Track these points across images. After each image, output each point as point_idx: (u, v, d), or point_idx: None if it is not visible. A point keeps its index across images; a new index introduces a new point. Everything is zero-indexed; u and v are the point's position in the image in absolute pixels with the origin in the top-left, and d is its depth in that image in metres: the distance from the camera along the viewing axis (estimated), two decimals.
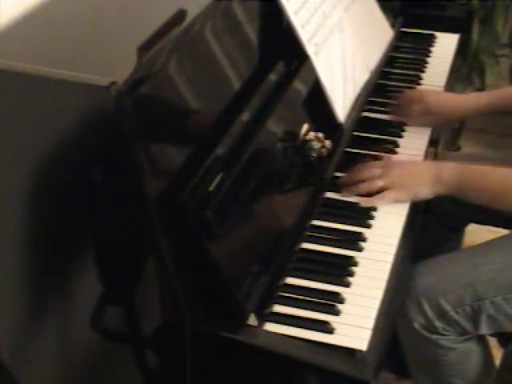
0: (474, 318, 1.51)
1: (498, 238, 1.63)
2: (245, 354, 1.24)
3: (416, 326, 1.52)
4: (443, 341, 1.54)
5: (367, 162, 1.58)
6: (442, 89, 1.90)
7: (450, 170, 1.52)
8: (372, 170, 1.54)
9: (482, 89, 2.70)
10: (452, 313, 1.50)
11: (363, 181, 1.53)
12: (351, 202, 1.53)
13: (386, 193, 1.52)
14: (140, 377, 1.34)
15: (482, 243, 1.62)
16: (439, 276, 1.53)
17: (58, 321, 1.30)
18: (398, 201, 1.53)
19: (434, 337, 1.53)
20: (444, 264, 1.57)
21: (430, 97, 1.79)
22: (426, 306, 1.50)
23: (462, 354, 1.59)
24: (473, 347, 1.60)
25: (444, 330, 1.52)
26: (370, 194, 1.53)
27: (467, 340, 1.57)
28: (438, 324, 1.51)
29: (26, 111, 1.13)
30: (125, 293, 1.27)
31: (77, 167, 1.14)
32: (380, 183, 1.52)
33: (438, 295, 1.50)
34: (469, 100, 1.81)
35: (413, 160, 1.65)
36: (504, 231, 1.71)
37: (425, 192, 1.52)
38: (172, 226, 1.16)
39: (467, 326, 1.52)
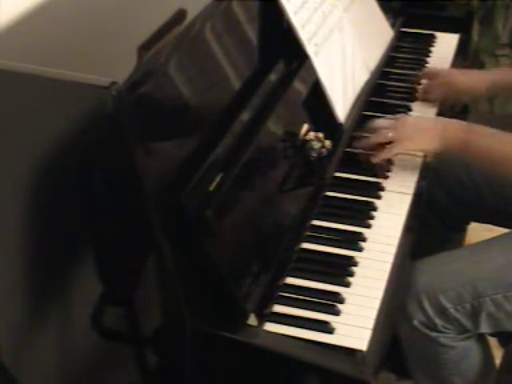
0: (474, 315, 1.51)
1: (498, 236, 1.64)
2: (245, 354, 1.24)
3: (416, 323, 1.52)
4: (443, 339, 1.54)
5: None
6: None
7: (457, 126, 1.56)
8: (383, 122, 1.59)
9: None
10: (452, 310, 1.50)
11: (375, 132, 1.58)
12: (351, 202, 1.53)
13: (394, 144, 1.55)
14: (140, 377, 1.34)
15: (482, 241, 1.63)
16: (439, 273, 1.54)
17: (58, 321, 1.30)
18: (407, 150, 1.58)
19: (434, 334, 1.53)
20: (444, 262, 1.57)
21: (449, 71, 1.90)
22: (426, 304, 1.50)
23: (462, 353, 1.59)
24: (473, 346, 1.60)
25: (444, 327, 1.52)
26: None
27: (467, 338, 1.57)
28: (438, 321, 1.51)
29: (26, 111, 1.13)
30: (125, 293, 1.27)
31: (77, 167, 1.14)
32: (390, 134, 1.55)
33: (438, 293, 1.50)
34: (483, 74, 1.90)
35: (420, 119, 1.70)
36: (504, 230, 1.71)
37: (431, 145, 1.56)
38: (172, 226, 1.16)
39: (467, 323, 1.52)
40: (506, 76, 1.85)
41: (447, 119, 1.63)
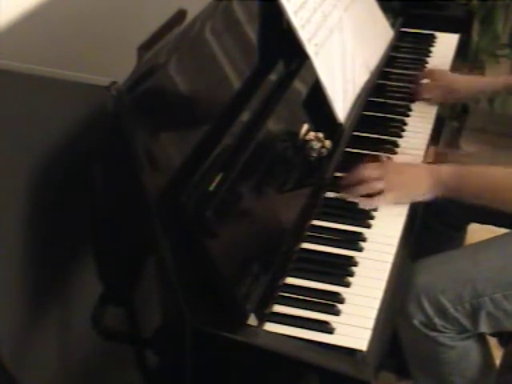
0: (474, 315, 1.51)
1: (498, 236, 1.64)
2: (245, 354, 1.24)
3: (416, 323, 1.53)
4: (443, 338, 1.54)
5: (366, 163, 1.57)
6: None
7: (448, 173, 1.52)
8: (371, 171, 1.54)
9: None
10: (451, 310, 1.50)
11: (362, 183, 1.53)
12: (351, 202, 1.53)
13: (385, 195, 1.51)
14: (140, 377, 1.34)
15: (482, 241, 1.63)
16: (439, 273, 1.54)
17: (58, 321, 1.30)
18: (397, 202, 1.53)
19: (434, 334, 1.53)
20: (444, 261, 1.58)
21: (450, 74, 1.88)
22: (426, 303, 1.50)
23: (462, 353, 1.59)
24: (472, 345, 1.60)
25: (443, 327, 1.52)
26: (369, 196, 1.53)
27: (467, 338, 1.57)
28: (438, 321, 1.51)
29: (26, 111, 1.13)
30: (125, 293, 1.27)
31: (77, 167, 1.14)
32: (379, 185, 1.51)
33: (437, 292, 1.50)
34: (486, 79, 1.89)
35: (411, 162, 1.65)
36: (505, 231, 1.71)
37: (423, 194, 1.53)
38: (172, 225, 1.16)
39: (466, 323, 1.52)
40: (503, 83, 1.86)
41: (435, 166, 1.57)
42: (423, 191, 1.53)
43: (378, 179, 1.52)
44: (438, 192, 1.52)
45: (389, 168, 1.55)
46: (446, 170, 1.53)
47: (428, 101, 1.84)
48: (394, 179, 1.53)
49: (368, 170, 1.54)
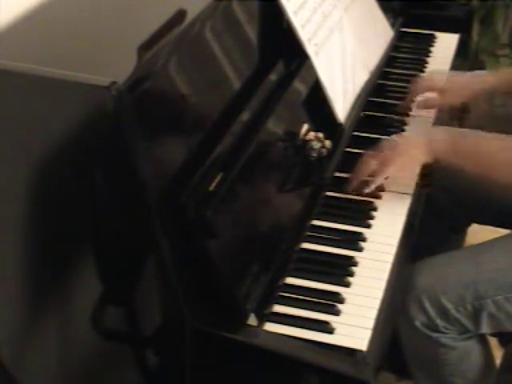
0: (475, 316, 1.51)
1: (500, 237, 1.63)
2: (245, 354, 1.24)
3: (417, 324, 1.52)
4: (444, 339, 1.54)
5: (362, 158, 1.57)
6: None
7: (442, 137, 1.52)
8: (365, 156, 1.54)
9: None
10: (453, 311, 1.50)
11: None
12: (351, 202, 1.53)
13: (380, 170, 1.52)
14: (140, 377, 1.34)
15: (484, 242, 1.62)
16: (440, 274, 1.54)
17: (58, 321, 1.30)
18: (396, 175, 1.54)
19: (435, 335, 1.53)
20: (445, 262, 1.57)
21: (440, 79, 1.83)
22: (428, 305, 1.50)
23: (463, 354, 1.59)
24: (473, 346, 1.60)
25: (445, 328, 1.52)
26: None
27: (468, 339, 1.57)
28: (439, 322, 1.51)
29: (26, 111, 1.13)
30: (125, 293, 1.27)
31: (77, 167, 1.14)
32: (374, 163, 1.51)
33: (439, 293, 1.50)
34: (477, 79, 1.83)
35: (404, 138, 1.64)
36: (505, 231, 1.71)
37: (418, 160, 1.53)
38: (172, 225, 1.16)
39: (468, 324, 1.52)
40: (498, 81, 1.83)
41: (429, 129, 1.58)
42: (417, 158, 1.53)
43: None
44: (432, 157, 1.52)
45: (381, 144, 1.55)
46: (438, 133, 1.54)
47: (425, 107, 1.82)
48: (387, 153, 1.52)
49: (365, 167, 1.54)
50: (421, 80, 1.85)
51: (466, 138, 1.55)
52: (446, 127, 1.56)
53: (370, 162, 1.52)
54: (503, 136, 1.52)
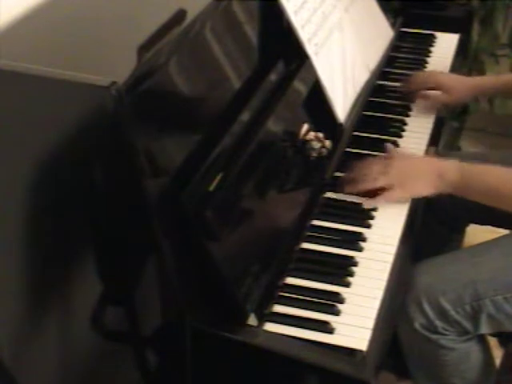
0: (474, 317, 1.51)
1: (499, 238, 1.63)
2: (245, 354, 1.24)
3: (416, 325, 1.52)
4: (444, 341, 1.54)
5: (367, 159, 1.57)
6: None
7: (451, 168, 1.50)
8: (372, 167, 1.53)
9: None
10: (452, 312, 1.50)
11: (365, 178, 1.53)
12: (351, 202, 1.53)
13: (387, 193, 1.51)
14: (140, 377, 1.34)
15: (482, 242, 1.62)
16: (439, 275, 1.53)
17: (58, 321, 1.30)
18: (400, 200, 1.52)
19: (435, 336, 1.53)
20: (444, 263, 1.57)
21: (441, 74, 1.85)
22: (426, 306, 1.50)
23: (463, 354, 1.59)
24: (473, 347, 1.60)
25: (444, 329, 1.52)
26: (369, 194, 1.53)
27: (467, 340, 1.57)
28: (439, 323, 1.51)
29: (26, 111, 1.13)
30: (125, 293, 1.27)
31: (77, 167, 1.14)
32: (381, 182, 1.51)
33: (438, 295, 1.50)
34: (477, 80, 1.85)
35: (413, 155, 1.64)
36: (504, 231, 1.71)
37: (426, 190, 1.51)
38: (172, 225, 1.16)
39: (467, 325, 1.52)
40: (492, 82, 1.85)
41: (440, 161, 1.55)
42: (425, 187, 1.51)
43: (380, 176, 1.51)
44: (440, 187, 1.50)
45: (390, 164, 1.54)
46: (448, 165, 1.52)
47: (429, 104, 1.83)
48: (396, 176, 1.51)
49: (369, 166, 1.54)
50: (424, 74, 1.86)
51: (474, 170, 1.51)
52: (451, 161, 1.53)
53: (379, 180, 1.51)
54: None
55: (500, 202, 1.50)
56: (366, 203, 1.52)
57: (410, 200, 1.54)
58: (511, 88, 1.82)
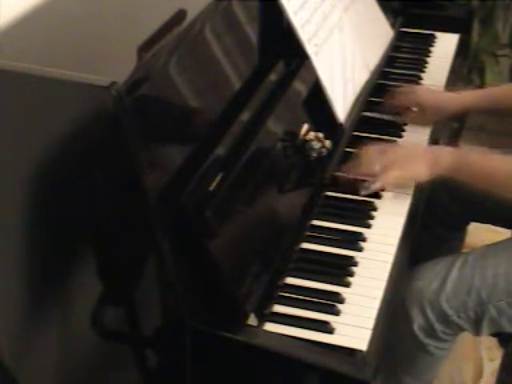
0: (477, 321, 1.51)
1: (503, 242, 1.62)
2: (245, 354, 1.24)
3: (415, 327, 1.52)
4: (434, 349, 1.54)
5: (365, 155, 1.56)
6: (442, 89, 1.90)
7: (446, 153, 1.52)
8: (369, 152, 1.53)
9: (481, 88, 2.71)
10: (454, 317, 1.50)
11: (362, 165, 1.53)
12: (351, 202, 1.53)
13: (384, 174, 1.50)
14: (140, 377, 1.34)
15: (487, 246, 1.61)
16: (443, 280, 1.52)
17: (58, 321, 1.30)
18: (397, 182, 1.52)
19: (427, 341, 1.53)
20: (448, 267, 1.55)
21: (422, 90, 1.81)
22: (429, 310, 1.50)
23: (438, 359, 1.60)
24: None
25: (443, 332, 1.52)
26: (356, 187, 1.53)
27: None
28: (438, 326, 1.51)
29: (26, 111, 1.13)
30: (125, 293, 1.27)
31: (77, 167, 1.14)
32: (378, 166, 1.50)
33: (441, 300, 1.49)
34: (457, 98, 1.80)
35: (412, 147, 1.64)
36: (503, 230, 1.71)
37: (423, 173, 1.51)
38: (172, 225, 1.16)
39: (468, 328, 1.52)
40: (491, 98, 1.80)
41: (436, 146, 1.56)
42: (422, 170, 1.51)
43: (377, 160, 1.51)
44: (437, 171, 1.50)
45: (386, 149, 1.55)
46: (445, 150, 1.53)
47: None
48: (392, 158, 1.52)
49: (366, 152, 1.54)
50: (408, 91, 1.82)
51: (469, 155, 1.52)
52: (450, 148, 1.54)
53: (374, 164, 1.51)
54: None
55: (493, 185, 1.49)
56: (364, 188, 1.51)
57: (408, 182, 1.54)
58: (501, 105, 1.78)
